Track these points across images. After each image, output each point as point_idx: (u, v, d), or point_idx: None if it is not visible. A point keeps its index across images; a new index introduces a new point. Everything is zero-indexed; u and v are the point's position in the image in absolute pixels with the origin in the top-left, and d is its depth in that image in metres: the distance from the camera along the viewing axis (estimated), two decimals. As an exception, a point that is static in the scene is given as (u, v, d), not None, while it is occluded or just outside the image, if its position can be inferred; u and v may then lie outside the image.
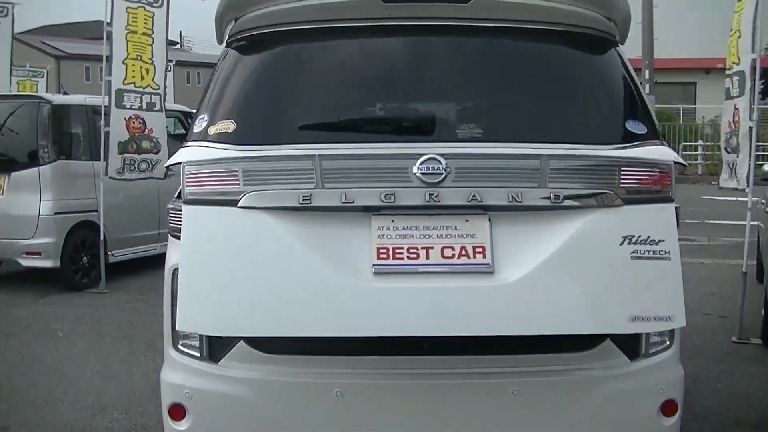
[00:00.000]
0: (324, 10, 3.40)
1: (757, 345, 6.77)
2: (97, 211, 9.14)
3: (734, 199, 10.86)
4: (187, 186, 3.15)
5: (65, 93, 11.18)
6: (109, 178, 9.00)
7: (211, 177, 3.10)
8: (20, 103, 9.62)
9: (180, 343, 3.38)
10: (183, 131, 11.33)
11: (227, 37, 3.59)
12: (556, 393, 3.27)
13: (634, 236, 3.02)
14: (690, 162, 25.22)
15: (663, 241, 3.03)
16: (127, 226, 9.72)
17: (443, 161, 3.02)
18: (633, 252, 3.01)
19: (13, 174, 9.05)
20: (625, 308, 3.01)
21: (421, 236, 3.04)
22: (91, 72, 46.03)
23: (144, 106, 9.16)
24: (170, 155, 9.59)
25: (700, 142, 25.93)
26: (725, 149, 7.53)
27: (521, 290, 2.97)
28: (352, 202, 3.02)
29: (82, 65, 47.37)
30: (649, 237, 3.03)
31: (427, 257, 3.02)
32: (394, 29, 3.45)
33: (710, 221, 14.16)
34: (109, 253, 9.43)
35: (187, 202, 3.12)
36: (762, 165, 7.87)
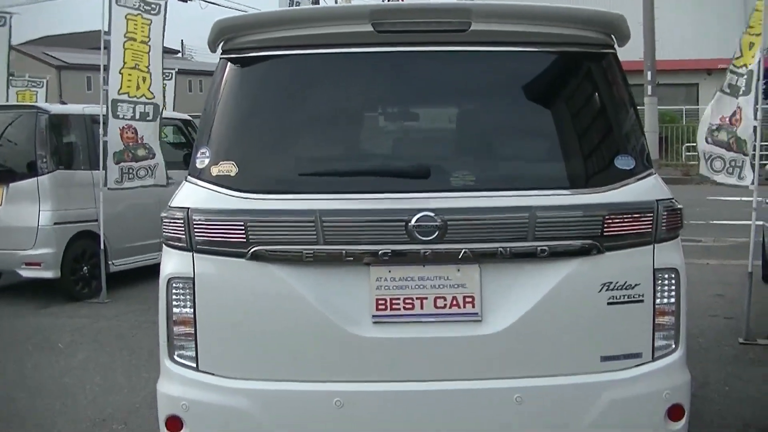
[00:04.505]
0: (317, 37, 3.36)
1: (765, 346, 6.69)
2: (96, 220, 9.06)
3: (738, 199, 10.77)
4: (196, 234, 3.25)
5: (63, 103, 11.13)
6: (108, 189, 8.94)
7: (219, 227, 3.23)
8: (18, 114, 9.56)
9: (176, 354, 3.32)
10: (183, 140, 11.28)
11: (221, 52, 3.55)
12: (560, 399, 3.22)
13: (612, 283, 3.22)
14: (693, 162, 25.11)
15: (638, 284, 3.24)
16: (127, 236, 9.61)
17: (437, 218, 3.13)
18: (610, 298, 3.22)
19: (11, 184, 8.98)
20: (597, 350, 3.25)
21: (416, 286, 3.23)
22: (93, 82, 46.02)
23: (137, 116, 9.08)
24: (168, 163, 9.57)
25: (703, 142, 25.82)
26: (705, 139, 7.36)
27: (506, 339, 3.19)
28: (353, 259, 3.17)
29: (83, 75, 47.37)
30: (626, 282, 3.24)
31: (422, 308, 3.22)
32: (387, 62, 3.42)
33: (715, 222, 14.07)
34: (109, 262, 9.35)
35: (198, 251, 3.26)
36: (766, 164, 7.79)
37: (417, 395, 3.20)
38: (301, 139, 3.49)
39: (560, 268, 3.20)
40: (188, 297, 3.27)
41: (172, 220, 3.32)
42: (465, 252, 3.16)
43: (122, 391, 5.88)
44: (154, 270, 9.16)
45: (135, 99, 9.07)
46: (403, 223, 3.14)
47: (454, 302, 3.21)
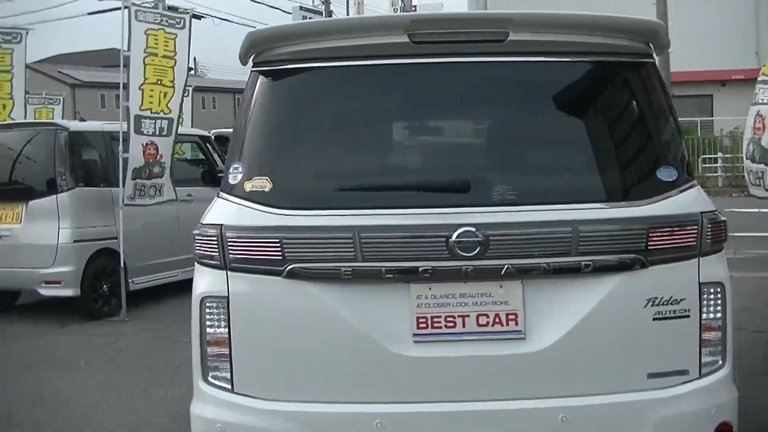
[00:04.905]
0: (351, 48, 3.30)
1: (797, 361, 6.55)
2: (116, 238, 8.99)
3: (757, 210, 10.63)
4: (230, 252, 3.17)
5: (82, 120, 11.11)
6: (124, 205, 8.89)
7: (253, 244, 3.14)
8: (37, 131, 9.50)
9: (210, 375, 3.24)
10: (202, 156, 11.23)
11: (252, 65, 3.48)
12: (606, 418, 3.13)
13: (657, 298, 3.14)
14: (710, 175, 24.98)
15: (684, 299, 3.15)
16: (147, 253, 9.51)
17: (479, 234, 3.04)
18: (655, 313, 3.14)
19: (31, 202, 8.91)
20: (643, 367, 3.16)
21: (458, 304, 3.14)
22: (107, 99, 46.33)
23: (157, 132, 9.06)
24: (180, 180, 9.46)
25: (720, 154, 25.67)
26: (745, 155, 7.33)
27: (550, 357, 3.10)
28: (392, 277, 3.09)
29: (97, 93, 47.64)
30: (671, 297, 3.16)
31: (464, 326, 3.13)
32: (423, 74, 3.34)
33: (735, 234, 13.86)
34: (129, 280, 9.25)
35: (232, 269, 3.16)
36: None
37: (460, 416, 3.11)
38: (336, 153, 3.41)
39: (604, 284, 3.12)
40: (222, 316, 3.19)
41: (204, 238, 3.25)
42: (507, 268, 3.08)
43: (142, 410, 5.81)
44: (173, 288, 9.11)
45: (156, 115, 9.03)
46: (444, 239, 3.06)
47: (497, 320, 3.13)
